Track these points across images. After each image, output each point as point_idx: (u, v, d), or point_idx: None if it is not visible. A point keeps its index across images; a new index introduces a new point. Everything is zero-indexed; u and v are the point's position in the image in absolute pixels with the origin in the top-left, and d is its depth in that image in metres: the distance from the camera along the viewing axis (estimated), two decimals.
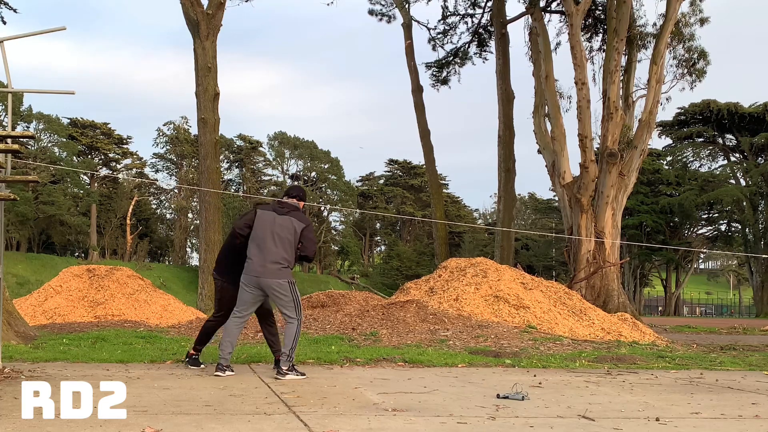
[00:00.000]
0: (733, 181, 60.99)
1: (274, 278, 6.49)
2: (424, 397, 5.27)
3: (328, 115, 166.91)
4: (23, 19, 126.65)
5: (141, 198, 74.42)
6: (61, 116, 72.35)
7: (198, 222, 35.31)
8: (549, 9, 26.87)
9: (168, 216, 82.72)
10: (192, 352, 7.13)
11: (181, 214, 79.70)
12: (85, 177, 71.72)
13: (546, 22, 25.08)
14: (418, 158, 79.27)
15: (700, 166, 64.29)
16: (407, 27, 29.82)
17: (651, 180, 61.92)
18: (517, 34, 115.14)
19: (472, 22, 30.77)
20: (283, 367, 6.34)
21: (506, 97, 27.21)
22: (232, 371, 6.52)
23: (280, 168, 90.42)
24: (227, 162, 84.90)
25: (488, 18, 29.90)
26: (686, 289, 79.85)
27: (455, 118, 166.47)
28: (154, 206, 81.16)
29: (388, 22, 31.36)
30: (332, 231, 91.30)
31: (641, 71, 24.19)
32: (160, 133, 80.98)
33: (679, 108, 59.99)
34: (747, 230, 60.45)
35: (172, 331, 11.24)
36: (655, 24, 24.87)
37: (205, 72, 20.33)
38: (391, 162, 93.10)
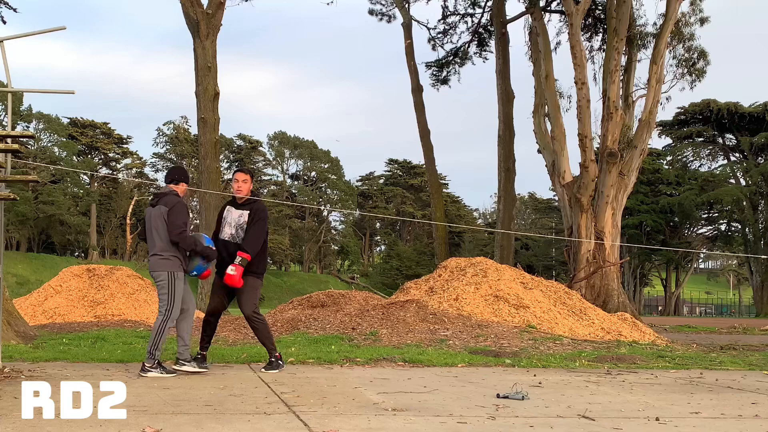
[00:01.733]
0: (733, 181, 60.99)
1: (153, 269, 6.48)
2: (424, 396, 5.27)
3: (328, 115, 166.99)
4: (23, 19, 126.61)
5: (141, 198, 74.37)
6: (61, 116, 72.53)
7: (198, 222, 35.31)
8: (549, 9, 26.87)
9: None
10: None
11: None
12: (85, 177, 71.76)
13: (546, 22, 25.08)
14: (418, 158, 79.30)
15: (700, 166, 64.33)
16: (407, 27, 29.81)
17: (651, 180, 61.93)
18: (517, 34, 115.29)
19: (472, 21, 30.79)
20: (146, 365, 6.28)
21: (506, 97, 27.21)
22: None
23: (280, 168, 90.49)
24: (227, 162, 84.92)
25: (488, 18, 29.91)
26: (686, 289, 79.88)
27: (455, 118, 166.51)
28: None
29: (388, 21, 31.38)
30: (332, 231, 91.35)
31: (641, 71, 24.22)
32: (160, 133, 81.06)
33: (679, 108, 60.03)
34: (747, 230, 60.45)
35: (172, 330, 11.23)
36: (655, 24, 24.89)
37: (205, 72, 20.33)
38: (391, 162, 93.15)
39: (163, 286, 6.43)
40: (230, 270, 6.69)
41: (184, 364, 6.45)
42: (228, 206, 7.07)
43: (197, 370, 6.47)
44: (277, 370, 6.71)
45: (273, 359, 6.86)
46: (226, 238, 6.90)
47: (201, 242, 6.60)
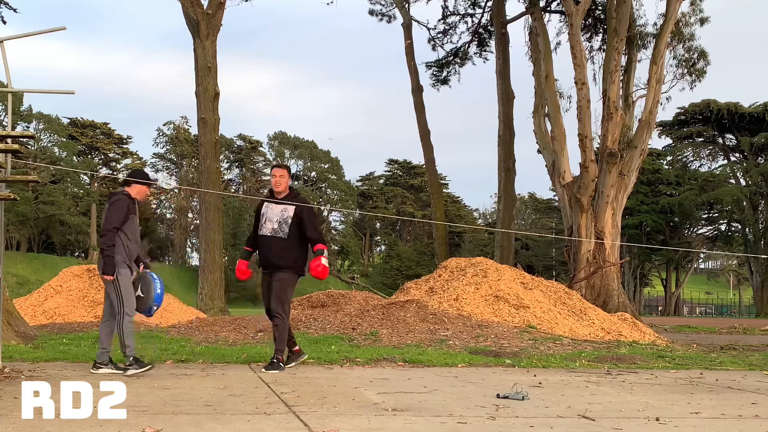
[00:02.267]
0: (733, 181, 61.00)
1: (101, 271, 6.52)
2: (424, 396, 5.27)
3: (328, 115, 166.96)
4: (23, 19, 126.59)
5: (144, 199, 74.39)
6: (61, 116, 72.48)
7: (198, 222, 35.30)
8: (549, 9, 26.88)
9: (168, 216, 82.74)
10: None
11: (181, 214, 79.75)
12: (85, 177, 71.76)
13: (546, 22, 25.10)
14: (418, 158, 79.30)
15: (700, 166, 64.35)
16: (407, 27, 29.83)
17: (651, 180, 61.94)
18: (517, 34, 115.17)
19: (472, 21, 30.81)
20: (126, 364, 6.36)
21: (506, 97, 27.22)
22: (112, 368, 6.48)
23: None
24: (227, 162, 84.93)
25: (488, 18, 29.93)
26: (686, 289, 79.88)
27: (455, 118, 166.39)
28: (154, 206, 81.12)
29: (388, 22, 31.40)
30: (332, 231, 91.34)
31: (641, 71, 24.23)
32: (160, 133, 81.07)
33: (679, 108, 60.05)
34: (747, 230, 60.47)
35: (172, 331, 11.24)
36: (655, 24, 24.90)
37: (205, 72, 20.34)
38: (391, 162, 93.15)
39: (107, 283, 6.48)
40: (324, 261, 6.74)
41: (101, 367, 6.45)
42: (265, 202, 7.06)
43: (114, 371, 6.40)
44: (276, 371, 6.70)
45: (275, 360, 6.83)
46: (268, 234, 6.90)
47: (121, 253, 6.42)
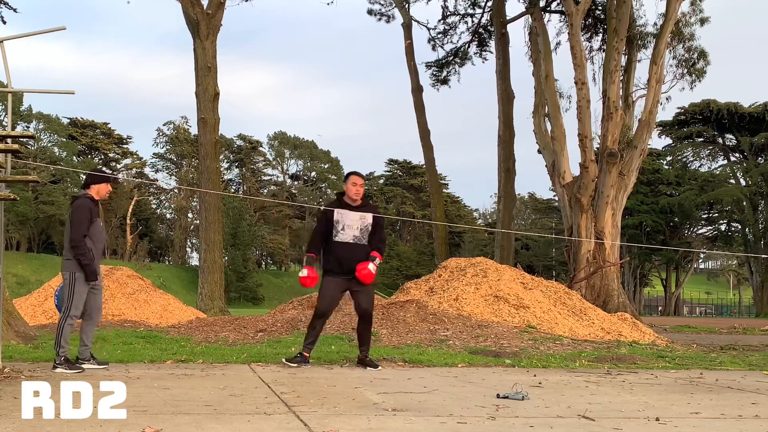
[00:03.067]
0: (733, 181, 61.01)
1: (61, 269, 6.68)
2: (424, 397, 5.27)
3: (328, 116, 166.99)
4: (23, 19, 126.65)
5: (141, 198, 74.45)
6: (61, 116, 72.50)
7: (198, 222, 35.31)
8: (549, 9, 26.88)
9: (168, 216, 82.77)
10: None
11: (181, 214, 79.75)
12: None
13: (546, 22, 25.10)
14: (418, 158, 79.37)
15: (700, 166, 64.36)
16: (407, 27, 29.83)
17: (651, 180, 61.94)
18: (517, 34, 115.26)
19: (472, 21, 30.81)
20: (55, 362, 6.51)
21: (506, 97, 27.22)
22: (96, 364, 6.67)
23: (280, 168, 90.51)
24: (227, 162, 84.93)
25: (488, 18, 29.93)
26: (686, 289, 79.90)
27: (455, 118, 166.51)
28: (154, 206, 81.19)
29: (388, 21, 31.41)
30: None
31: (641, 71, 24.23)
32: (160, 133, 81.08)
33: (679, 108, 60.08)
34: (747, 230, 60.47)
35: (172, 331, 11.24)
36: (655, 24, 24.90)
37: (205, 72, 20.34)
38: (391, 162, 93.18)
39: (65, 285, 6.58)
40: (371, 268, 6.95)
41: (84, 363, 6.63)
42: (336, 209, 7.14)
43: (97, 367, 6.62)
44: (377, 368, 7.01)
45: (368, 359, 7.20)
46: (350, 241, 7.03)
47: (89, 258, 6.51)
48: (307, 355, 7.19)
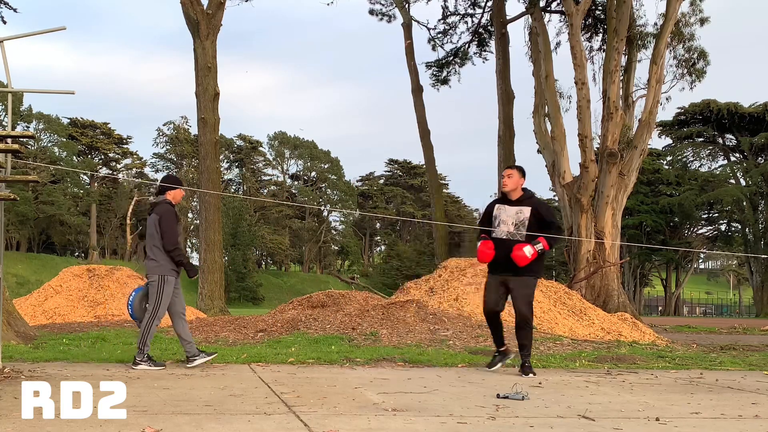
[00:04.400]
0: (733, 181, 61.00)
1: (148, 272, 6.97)
2: (424, 397, 5.27)
3: (328, 116, 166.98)
4: (23, 19, 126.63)
5: (141, 198, 74.34)
6: (61, 116, 72.54)
7: (198, 222, 35.31)
8: (549, 9, 26.87)
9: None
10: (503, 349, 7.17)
11: (181, 214, 79.75)
12: (85, 177, 71.76)
13: (546, 22, 25.08)
14: (418, 158, 79.37)
15: (700, 166, 64.33)
16: (407, 27, 29.83)
17: (651, 180, 61.92)
18: (517, 34, 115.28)
19: (472, 21, 30.80)
20: (136, 359, 6.77)
21: (506, 97, 27.22)
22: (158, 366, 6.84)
23: (280, 168, 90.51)
24: (227, 162, 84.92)
25: (488, 18, 29.91)
26: (686, 289, 79.89)
27: (455, 118, 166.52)
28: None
29: (388, 21, 31.39)
30: (332, 231, 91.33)
31: (641, 71, 24.21)
32: (160, 133, 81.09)
33: (679, 108, 60.05)
34: (747, 230, 60.46)
35: (171, 331, 11.23)
36: (655, 24, 24.89)
37: (205, 72, 20.33)
38: (391, 162, 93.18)
39: (153, 288, 6.88)
40: (527, 250, 6.64)
41: (195, 360, 6.93)
42: (497, 204, 7.02)
43: (207, 359, 6.96)
44: (531, 376, 6.66)
45: (527, 364, 6.82)
46: (503, 237, 6.82)
47: (186, 257, 7.04)
48: (503, 348, 7.11)
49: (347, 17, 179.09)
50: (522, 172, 7.01)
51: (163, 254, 6.86)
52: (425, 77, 39.58)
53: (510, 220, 6.84)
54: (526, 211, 6.82)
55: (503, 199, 7.03)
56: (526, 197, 6.92)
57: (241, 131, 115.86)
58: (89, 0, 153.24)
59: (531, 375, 6.71)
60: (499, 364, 7.15)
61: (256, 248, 78.55)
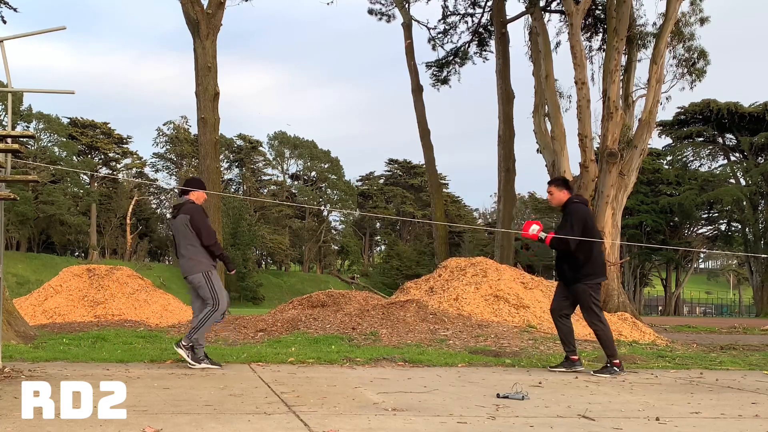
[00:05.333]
0: (733, 181, 60.99)
1: (188, 273, 7.03)
2: (424, 396, 5.27)
3: (328, 116, 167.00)
4: (23, 19, 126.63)
5: (141, 198, 74.36)
6: (61, 116, 72.48)
7: None
8: (549, 9, 26.87)
9: (168, 216, 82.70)
10: (573, 357, 7.23)
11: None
12: (85, 177, 71.75)
13: (546, 22, 25.08)
14: (418, 158, 79.35)
15: (700, 166, 64.32)
16: (407, 26, 29.81)
17: (651, 180, 61.92)
18: (517, 33, 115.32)
19: (472, 21, 30.79)
20: (184, 342, 6.92)
21: (506, 97, 27.21)
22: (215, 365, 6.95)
23: (280, 168, 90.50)
24: (227, 162, 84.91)
25: (488, 17, 29.90)
26: (686, 289, 79.89)
27: (455, 118, 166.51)
28: (154, 206, 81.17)
29: (388, 21, 31.38)
30: (332, 231, 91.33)
31: (641, 71, 24.20)
32: (160, 133, 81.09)
33: (679, 108, 60.02)
34: (747, 230, 60.45)
35: (172, 330, 11.24)
36: (655, 24, 24.88)
37: (205, 71, 20.32)
38: (391, 162, 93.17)
39: (202, 286, 7.00)
40: (534, 228, 7.14)
41: (180, 349, 7.02)
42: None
43: (210, 366, 6.97)
44: (609, 375, 6.80)
45: (608, 364, 6.97)
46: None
47: (208, 258, 7.06)
48: (574, 358, 7.23)
49: (347, 17, 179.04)
50: (558, 184, 7.35)
51: (200, 250, 6.97)
52: (425, 77, 39.66)
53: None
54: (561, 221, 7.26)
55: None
56: (567, 204, 7.23)
57: (241, 131, 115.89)
58: (89, 0, 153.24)
59: (608, 375, 6.85)
60: (564, 368, 7.20)
61: (256, 248, 78.56)
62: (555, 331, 10.53)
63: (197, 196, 7.20)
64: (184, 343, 6.90)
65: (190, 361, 6.82)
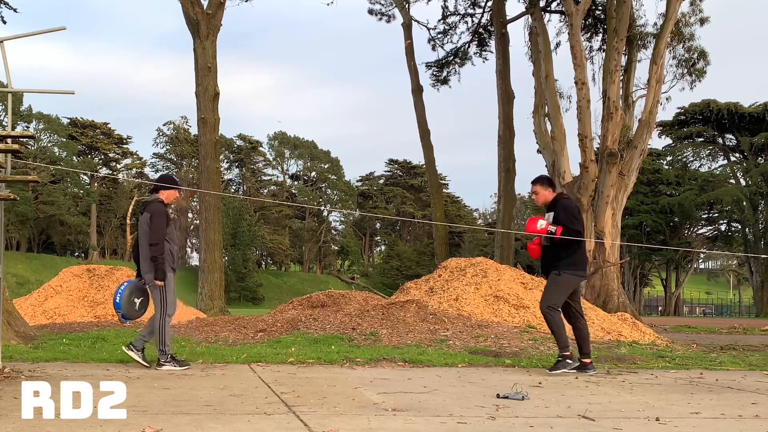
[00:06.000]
0: (733, 181, 60.99)
1: (144, 272, 6.93)
2: (424, 396, 5.27)
3: (328, 116, 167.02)
4: (23, 19, 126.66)
5: (141, 198, 74.29)
6: (61, 116, 72.49)
7: (198, 222, 35.31)
8: (549, 9, 26.87)
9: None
10: (586, 361, 7.10)
11: (181, 214, 79.74)
12: (85, 177, 71.75)
13: (546, 22, 25.08)
14: (418, 158, 79.37)
15: (700, 166, 64.32)
16: (407, 27, 29.82)
17: (651, 180, 61.92)
18: (517, 34, 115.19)
19: (472, 21, 30.80)
20: (160, 360, 6.80)
21: (506, 97, 27.21)
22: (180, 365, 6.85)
23: (280, 168, 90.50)
24: (227, 162, 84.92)
25: (488, 18, 29.91)
26: (686, 289, 79.88)
27: (455, 118, 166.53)
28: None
29: (388, 21, 31.39)
30: (332, 231, 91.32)
31: (641, 71, 24.21)
32: (160, 133, 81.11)
33: (679, 108, 60.04)
34: (747, 230, 60.45)
35: (172, 331, 11.22)
36: (655, 24, 24.89)
37: (205, 72, 20.33)
38: (391, 162, 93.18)
39: (154, 287, 6.87)
40: (540, 222, 7.10)
41: (131, 350, 6.98)
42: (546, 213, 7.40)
43: (141, 362, 6.89)
44: (560, 371, 6.81)
45: (561, 358, 6.94)
46: (544, 243, 7.26)
47: (165, 262, 6.81)
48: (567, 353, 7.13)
49: (347, 17, 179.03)
50: (543, 183, 7.36)
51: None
52: (425, 77, 39.62)
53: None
54: (551, 216, 7.19)
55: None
56: (555, 201, 7.26)
57: (241, 131, 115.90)
58: (89, 0, 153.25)
59: (559, 371, 6.86)
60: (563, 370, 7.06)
61: (256, 248, 78.57)
62: None
63: (167, 195, 7.05)
64: (162, 360, 6.80)
65: (176, 368, 6.71)
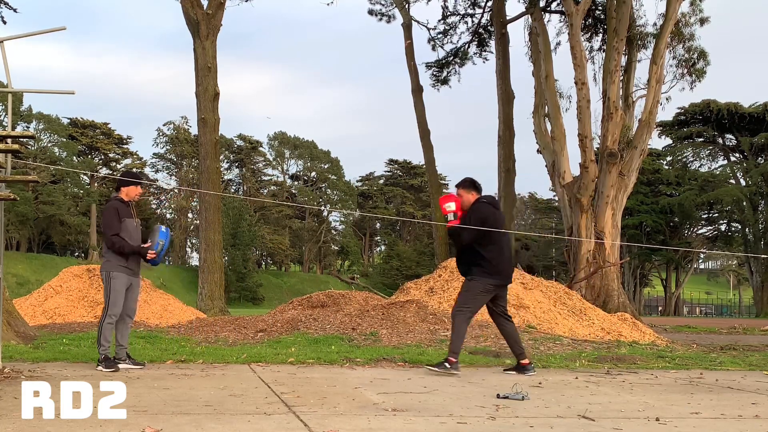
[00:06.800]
0: (733, 181, 60.98)
1: (101, 270, 6.94)
2: (424, 397, 5.27)
3: (328, 116, 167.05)
4: (23, 19, 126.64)
5: (141, 198, 74.32)
6: (61, 116, 72.45)
7: (198, 222, 35.31)
8: (549, 9, 26.86)
9: (168, 216, 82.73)
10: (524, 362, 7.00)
11: (181, 214, 79.76)
12: (85, 177, 71.72)
13: (546, 22, 25.07)
14: (418, 158, 79.40)
15: (700, 166, 64.32)
16: (407, 27, 29.81)
17: (651, 180, 61.92)
18: (517, 34, 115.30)
19: (472, 22, 30.78)
20: (99, 360, 6.70)
21: (506, 97, 27.20)
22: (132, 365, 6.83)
23: (280, 168, 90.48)
24: (227, 162, 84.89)
25: (488, 18, 29.90)
26: (686, 289, 79.87)
27: (455, 118, 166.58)
28: (154, 206, 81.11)
29: (388, 22, 31.37)
30: (332, 231, 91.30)
31: (641, 71, 24.20)
32: (160, 133, 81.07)
33: (679, 108, 60.04)
34: (747, 230, 60.45)
35: (172, 331, 11.24)
36: (655, 24, 24.88)
37: (205, 72, 20.33)
38: (391, 162, 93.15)
39: (104, 286, 6.84)
40: (450, 204, 7.13)
41: (120, 362, 6.81)
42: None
43: (132, 367, 6.81)
44: (438, 369, 6.71)
45: (445, 359, 6.81)
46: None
47: (128, 245, 6.80)
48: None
49: (347, 17, 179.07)
50: (465, 186, 7.27)
51: (108, 251, 6.82)
52: (425, 77, 39.60)
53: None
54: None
55: None
56: (473, 204, 7.19)
57: (241, 131, 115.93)
58: (89, 0, 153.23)
59: (436, 369, 6.72)
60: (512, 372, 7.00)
61: (256, 248, 78.55)
62: (555, 331, 10.56)
63: (127, 191, 6.99)
64: (99, 360, 6.72)
65: (104, 370, 6.56)
